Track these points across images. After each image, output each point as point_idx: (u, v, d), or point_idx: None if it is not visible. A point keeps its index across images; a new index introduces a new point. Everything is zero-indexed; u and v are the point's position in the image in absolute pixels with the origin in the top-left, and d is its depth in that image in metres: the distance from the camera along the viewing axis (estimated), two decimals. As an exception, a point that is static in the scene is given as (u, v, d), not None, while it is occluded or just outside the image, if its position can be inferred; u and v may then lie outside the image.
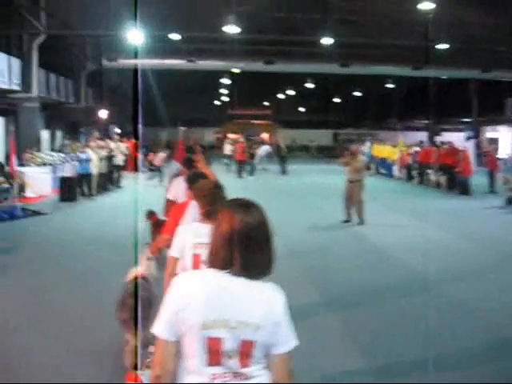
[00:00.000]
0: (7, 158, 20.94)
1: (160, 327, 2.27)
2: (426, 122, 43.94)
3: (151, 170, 28.49)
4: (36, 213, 14.10)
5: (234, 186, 9.67)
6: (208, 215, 3.98)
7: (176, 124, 47.49)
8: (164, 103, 38.36)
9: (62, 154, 21.48)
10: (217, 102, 56.30)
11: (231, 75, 39.72)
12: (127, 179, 22.57)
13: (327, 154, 47.36)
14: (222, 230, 2.27)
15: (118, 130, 37.66)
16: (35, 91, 23.97)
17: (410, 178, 25.10)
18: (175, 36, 24.70)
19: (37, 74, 24.40)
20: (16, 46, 23.87)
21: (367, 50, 28.82)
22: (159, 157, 24.21)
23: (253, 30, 25.67)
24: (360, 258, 10.42)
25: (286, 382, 2.31)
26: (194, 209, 4.52)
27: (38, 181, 17.78)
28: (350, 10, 26.63)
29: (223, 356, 2.22)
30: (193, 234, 4.00)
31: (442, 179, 21.60)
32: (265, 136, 47.86)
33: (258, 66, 29.22)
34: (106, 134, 30.68)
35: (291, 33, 26.37)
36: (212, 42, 28.18)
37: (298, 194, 20.72)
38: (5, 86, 21.67)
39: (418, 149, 25.29)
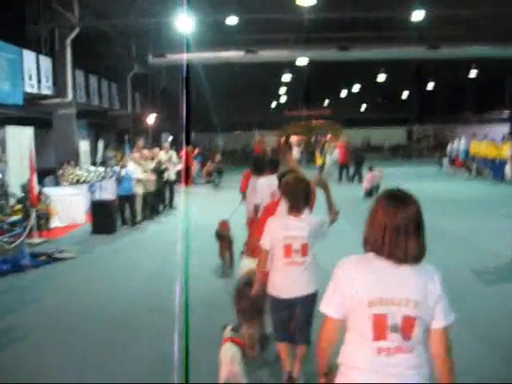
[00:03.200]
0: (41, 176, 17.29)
1: (328, 306, 2.54)
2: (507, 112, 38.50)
3: (208, 182, 24.58)
4: (51, 259, 9.81)
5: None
6: (292, 209, 4.38)
7: (228, 129, 44.21)
8: (218, 106, 34.57)
9: (102, 169, 17.58)
10: (274, 104, 51.95)
11: (293, 71, 35.29)
12: (182, 195, 18.54)
13: (403, 153, 42.48)
14: (380, 218, 2.48)
15: (170, 138, 33.89)
16: (71, 96, 20.22)
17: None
18: (232, 20, 20.26)
19: (72, 75, 20.66)
20: (46, 44, 20.14)
21: (462, 28, 23.92)
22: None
23: (324, 9, 21.15)
24: None
25: (444, 355, 2.49)
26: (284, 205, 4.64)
27: (69, 205, 13.80)
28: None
29: (388, 331, 2.40)
30: (282, 227, 4.34)
31: None
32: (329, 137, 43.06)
33: (330, 53, 24.71)
34: (156, 143, 26.81)
35: (369, 10, 21.75)
36: (275, 30, 23.78)
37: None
38: (34, 91, 17.93)
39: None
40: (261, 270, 4.56)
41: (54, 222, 13.08)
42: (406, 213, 2.43)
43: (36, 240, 11.33)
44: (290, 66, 32.20)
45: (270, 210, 5.17)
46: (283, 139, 42.52)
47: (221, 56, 24.87)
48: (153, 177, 14.15)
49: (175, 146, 24.99)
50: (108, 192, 13.21)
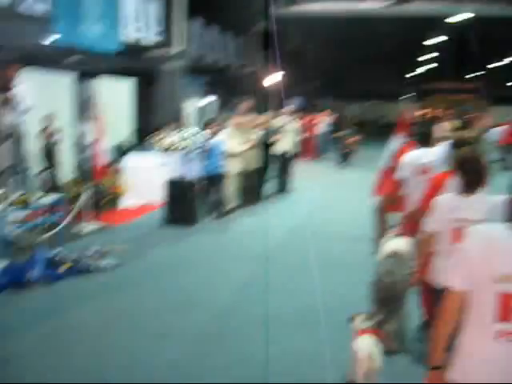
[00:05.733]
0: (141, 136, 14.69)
1: (454, 278, 2.28)
2: None
3: (344, 155, 20.13)
4: (78, 269, 6.51)
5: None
6: (467, 188, 3.68)
7: (360, 98, 40.27)
8: (350, 70, 30.65)
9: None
10: (410, 74, 46.65)
11: (440, 33, 30.51)
12: (303, 173, 14.82)
13: None
14: None
15: (297, 103, 30.17)
16: (177, 46, 17.23)
17: None
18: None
19: (182, 22, 17.62)
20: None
21: None
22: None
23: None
24: None
25: None
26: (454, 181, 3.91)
27: (149, 179, 10.69)
28: None
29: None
30: (452, 208, 3.71)
31: None
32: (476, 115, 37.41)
33: (497, 8, 19.94)
34: (276, 108, 23.44)
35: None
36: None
37: None
38: (138, 36, 14.97)
39: None
40: (422, 257, 3.98)
41: (126, 201, 10.15)
42: None
43: (87, 227, 8.39)
44: (439, 26, 27.62)
45: (437, 186, 4.20)
46: (429, 113, 37.73)
47: (358, 8, 20.82)
48: (252, 150, 10.65)
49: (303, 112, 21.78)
50: (188, 169, 9.95)
